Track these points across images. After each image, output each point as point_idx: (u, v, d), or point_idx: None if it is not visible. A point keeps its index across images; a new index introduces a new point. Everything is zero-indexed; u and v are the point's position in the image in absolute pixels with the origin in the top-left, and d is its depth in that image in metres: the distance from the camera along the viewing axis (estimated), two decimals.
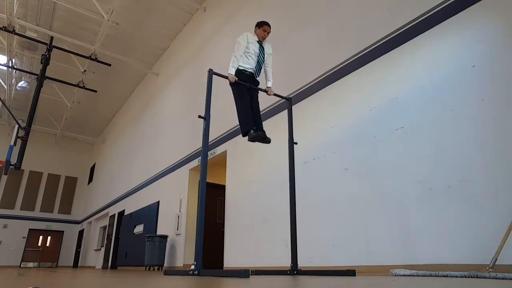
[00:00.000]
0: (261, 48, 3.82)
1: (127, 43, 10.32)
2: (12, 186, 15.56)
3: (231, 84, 3.68)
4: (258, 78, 3.87)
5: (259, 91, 3.89)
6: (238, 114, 3.69)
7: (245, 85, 3.72)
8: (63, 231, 16.20)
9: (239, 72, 3.70)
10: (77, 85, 11.67)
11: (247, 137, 3.68)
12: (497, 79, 2.79)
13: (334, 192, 3.92)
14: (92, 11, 8.77)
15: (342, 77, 4.21)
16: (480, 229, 2.63)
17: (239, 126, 3.74)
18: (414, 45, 3.48)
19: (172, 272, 3.71)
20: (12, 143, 7.05)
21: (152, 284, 1.98)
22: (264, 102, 4.51)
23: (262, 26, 3.84)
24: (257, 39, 3.84)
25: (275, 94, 3.95)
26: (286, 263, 3.58)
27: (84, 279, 2.91)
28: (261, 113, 3.92)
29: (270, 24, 3.87)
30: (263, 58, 3.84)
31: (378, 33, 3.86)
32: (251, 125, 3.62)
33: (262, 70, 3.89)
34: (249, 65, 3.76)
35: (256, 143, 3.75)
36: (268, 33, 3.88)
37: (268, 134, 3.70)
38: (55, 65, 10.61)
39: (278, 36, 5.44)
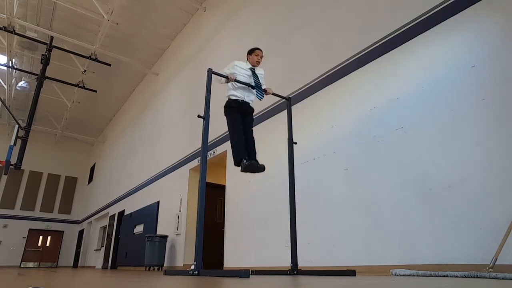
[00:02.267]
0: (254, 75, 3.77)
1: (127, 43, 10.32)
2: (12, 186, 15.56)
3: (226, 113, 3.66)
4: (253, 105, 3.82)
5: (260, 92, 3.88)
6: (231, 143, 3.60)
7: (239, 112, 3.66)
8: (63, 231, 16.20)
9: (233, 101, 3.66)
10: (77, 85, 11.66)
11: (239, 168, 3.49)
12: (497, 79, 2.79)
13: (334, 192, 3.92)
14: (92, 11, 8.77)
15: (342, 77, 4.20)
16: (480, 229, 2.62)
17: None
18: (414, 45, 3.48)
19: (172, 272, 3.71)
20: (12, 143, 7.03)
21: (152, 284, 1.98)
22: (264, 102, 4.50)
23: (254, 51, 3.83)
24: (250, 66, 3.80)
25: (274, 94, 3.94)
26: (286, 263, 3.58)
27: (84, 279, 2.91)
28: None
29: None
30: (259, 82, 3.77)
31: (378, 33, 3.86)
32: (244, 154, 3.49)
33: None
34: (242, 95, 3.70)
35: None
36: (261, 57, 3.85)
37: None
38: (55, 65, 10.60)
39: (278, 36, 5.45)
